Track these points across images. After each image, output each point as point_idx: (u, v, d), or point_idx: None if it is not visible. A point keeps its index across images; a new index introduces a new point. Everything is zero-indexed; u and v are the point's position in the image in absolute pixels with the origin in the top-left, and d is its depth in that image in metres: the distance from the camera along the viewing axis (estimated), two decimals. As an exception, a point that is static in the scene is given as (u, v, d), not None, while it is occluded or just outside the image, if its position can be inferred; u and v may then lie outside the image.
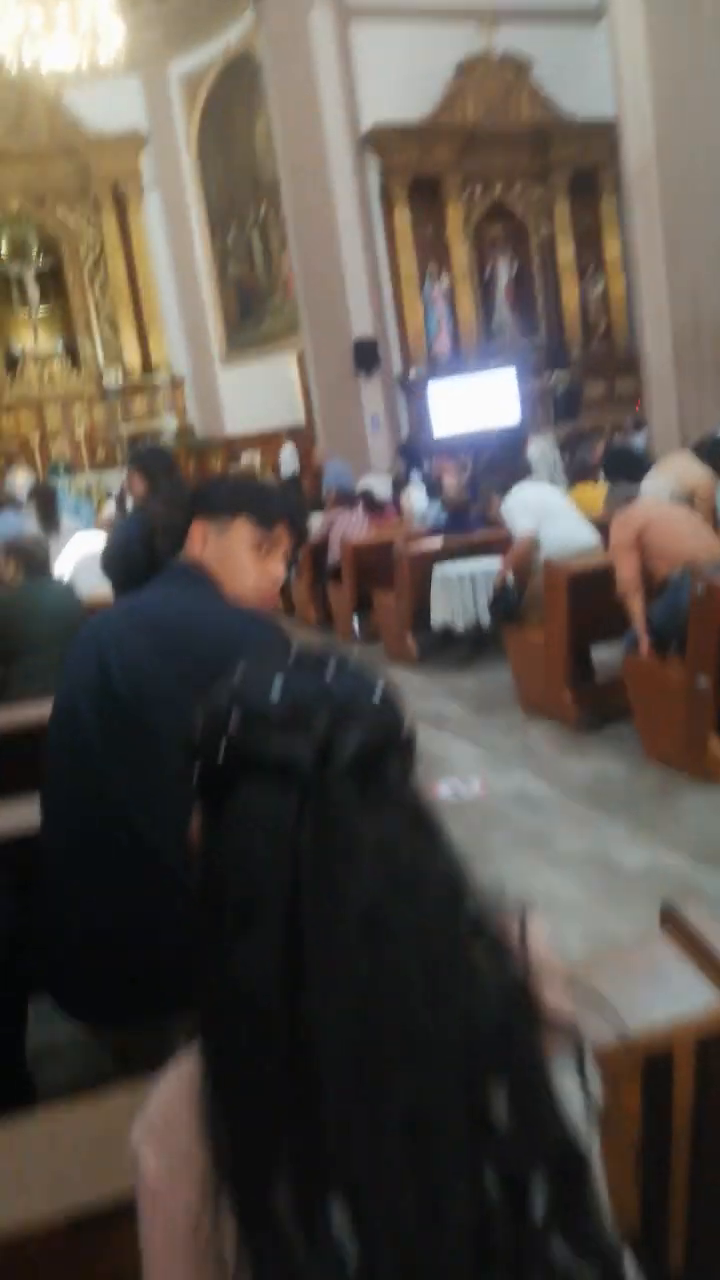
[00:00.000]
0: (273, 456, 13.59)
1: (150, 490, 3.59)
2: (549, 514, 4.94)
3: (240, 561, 1.55)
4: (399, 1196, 0.65)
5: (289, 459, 13.22)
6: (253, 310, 14.47)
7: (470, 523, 6.54)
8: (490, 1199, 0.67)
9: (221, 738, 0.76)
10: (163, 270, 14.86)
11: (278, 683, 0.77)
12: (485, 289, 13.81)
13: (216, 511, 1.58)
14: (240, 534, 1.55)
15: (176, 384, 14.86)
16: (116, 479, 12.13)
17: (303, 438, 13.53)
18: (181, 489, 3.92)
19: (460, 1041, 0.69)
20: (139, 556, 2.89)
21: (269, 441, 13.88)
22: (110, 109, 13.87)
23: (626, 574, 3.94)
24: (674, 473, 4.94)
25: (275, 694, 0.76)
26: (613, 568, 4.04)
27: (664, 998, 1.17)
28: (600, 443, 9.37)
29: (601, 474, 6.19)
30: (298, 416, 13.88)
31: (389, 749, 0.76)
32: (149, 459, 4.02)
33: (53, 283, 14.99)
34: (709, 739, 3.70)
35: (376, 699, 0.78)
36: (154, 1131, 0.74)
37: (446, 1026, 0.69)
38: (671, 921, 1.24)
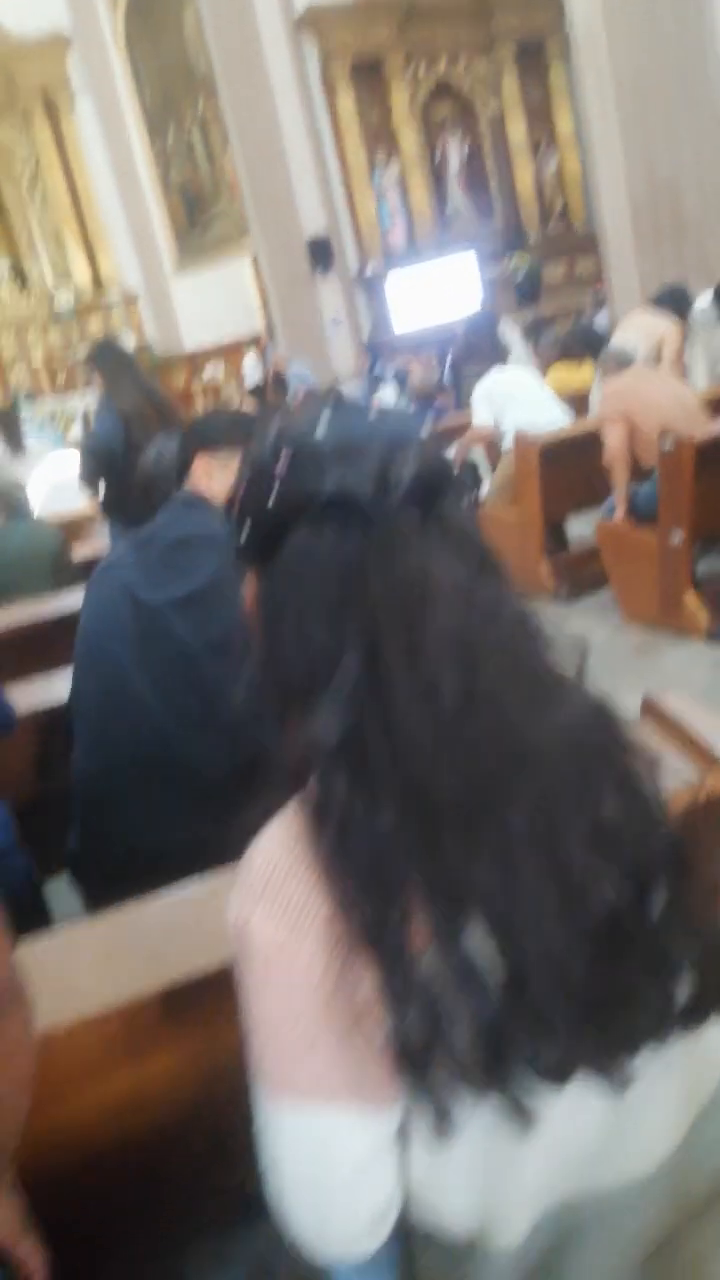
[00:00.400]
0: (236, 367, 13.37)
1: (111, 385, 3.58)
2: (513, 400, 4.90)
3: None
4: (537, 903, 0.65)
5: (252, 369, 12.99)
6: (200, 216, 14.03)
7: (437, 410, 6.56)
8: (618, 897, 0.67)
9: (271, 481, 0.72)
10: (103, 179, 14.29)
11: (324, 420, 0.74)
12: (437, 174, 13.40)
13: (217, 445, 1.62)
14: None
15: (130, 301, 14.49)
16: (79, 403, 11.94)
17: (262, 345, 13.28)
18: (141, 379, 3.94)
19: (564, 750, 0.69)
20: (118, 452, 2.93)
21: (231, 352, 13.64)
22: (28, 8, 13.17)
23: (613, 443, 4.00)
24: (639, 329, 4.97)
25: (323, 431, 0.73)
26: (585, 436, 4.11)
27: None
28: (562, 326, 9.33)
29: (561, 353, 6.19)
30: (256, 324, 13.61)
31: (444, 481, 0.73)
32: (102, 354, 3.99)
33: (-10, 202, 14.45)
34: (684, 595, 3.83)
35: (422, 439, 0.75)
36: (261, 896, 0.70)
37: (549, 736, 0.68)
38: (651, 710, 1.36)
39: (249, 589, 0.77)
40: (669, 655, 3.86)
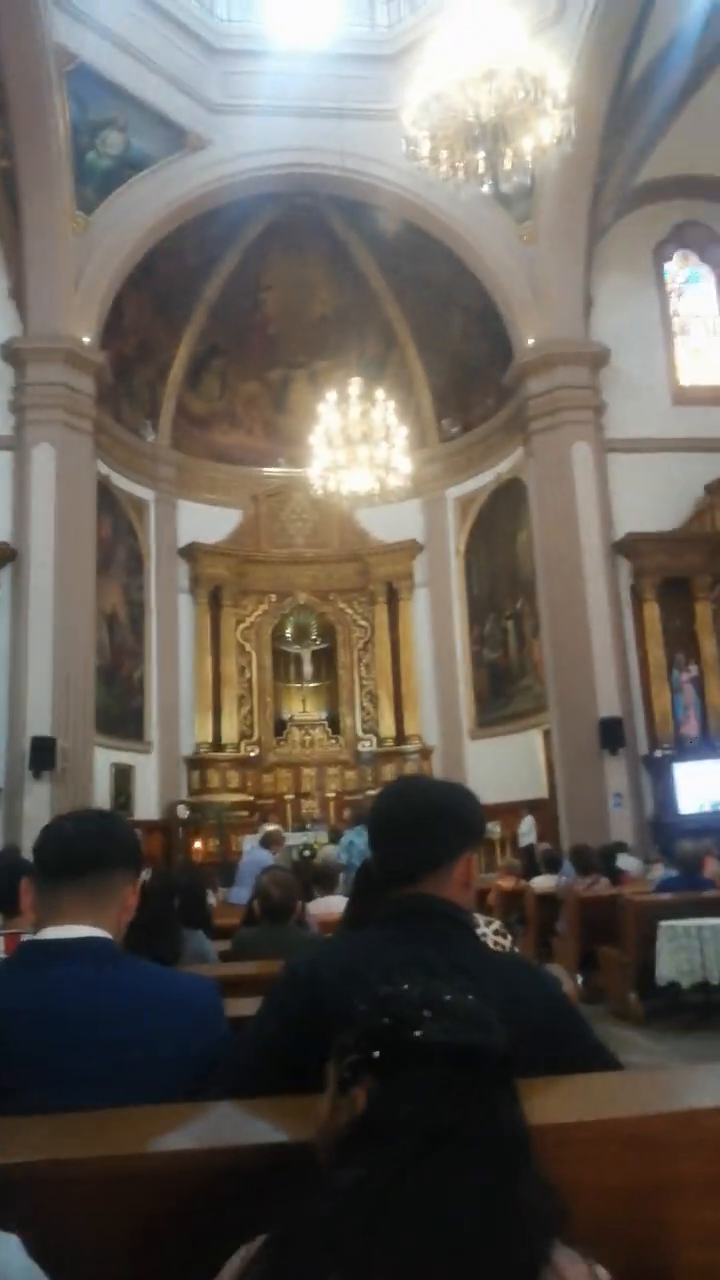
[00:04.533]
0: (512, 827, 13.52)
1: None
2: None
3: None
4: None
5: (527, 830, 13.11)
6: (503, 690, 15.26)
7: (699, 880, 6.09)
8: None
9: (414, 1027, 0.97)
10: (423, 654, 16.27)
11: (447, 990, 1.02)
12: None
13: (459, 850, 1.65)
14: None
15: (425, 754, 15.56)
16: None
17: (544, 811, 13.44)
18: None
19: None
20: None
21: (509, 813, 13.89)
22: (393, 523, 16.24)
23: None
24: None
25: (451, 996, 1.01)
26: None
27: None
28: None
29: None
30: (540, 790, 13.93)
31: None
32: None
33: (325, 661, 16.77)
34: None
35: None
36: None
37: None
38: None
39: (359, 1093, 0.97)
40: None
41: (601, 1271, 0.88)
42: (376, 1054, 0.96)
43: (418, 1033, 0.96)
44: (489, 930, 2.46)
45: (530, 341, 13.83)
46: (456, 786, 1.74)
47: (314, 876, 6.07)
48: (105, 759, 13.39)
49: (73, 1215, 1.12)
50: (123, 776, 14.01)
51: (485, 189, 8.38)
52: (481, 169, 7.82)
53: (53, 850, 1.62)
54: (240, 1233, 0.93)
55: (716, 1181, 1.19)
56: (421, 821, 1.61)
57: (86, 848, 1.61)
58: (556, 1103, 1.33)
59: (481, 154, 7.73)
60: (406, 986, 1.02)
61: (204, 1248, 0.93)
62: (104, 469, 14.24)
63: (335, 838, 11.33)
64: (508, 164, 7.73)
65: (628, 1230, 1.16)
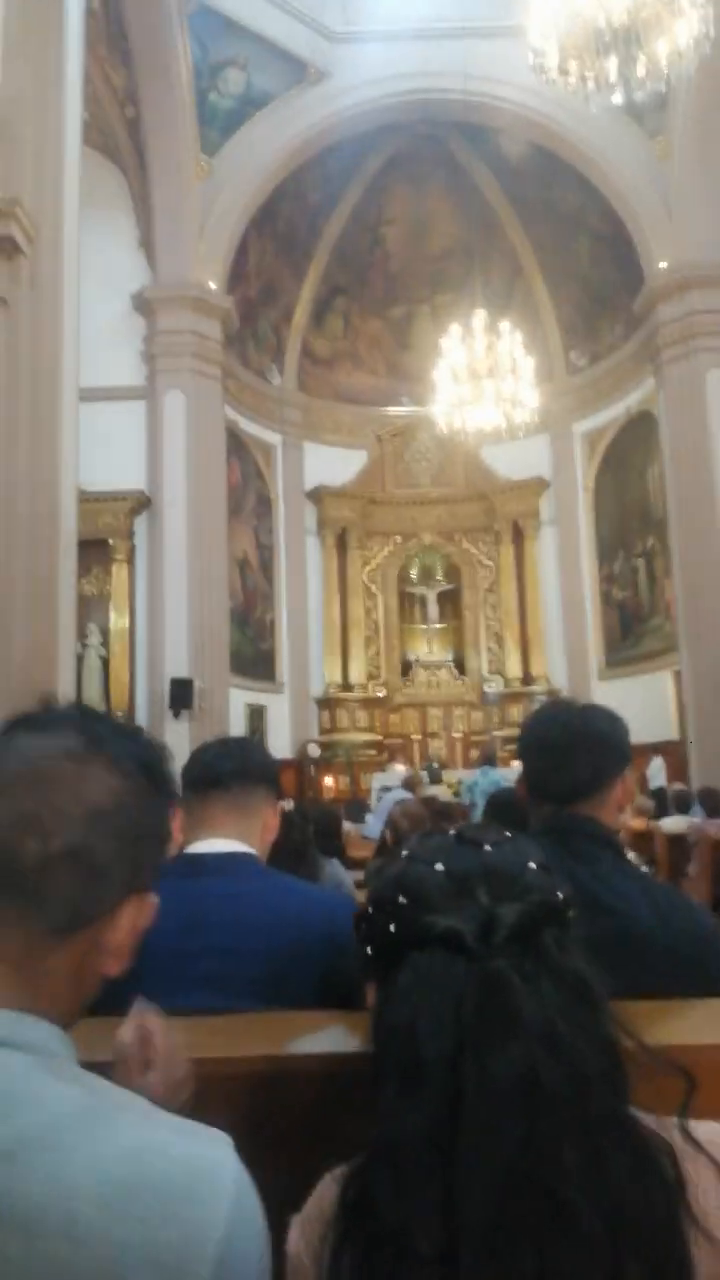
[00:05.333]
0: (642, 769, 13.28)
1: None
2: None
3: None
4: None
5: (656, 772, 12.85)
6: (632, 630, 14.89)
7: None
8: None
9: (391, 912, 0.85)
10: (550, 594, 16.01)
11: (440, 860, 0.87)
12: None
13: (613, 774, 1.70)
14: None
15: (553, 694, 15.38)
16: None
17: (674, 753, 13.14)
18: None
19: (605, 1228, 0.71)
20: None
21: (641, 754, 13.64)
22: (520, 461, 15.90)
23: None
24: None
25: (441, 866, 0.86)
26: None
27: None
28: None
29: None
30: (670, 732, 13.61)
31: (546, 919, 0.83)
32: None
33: (450, 602, 16.72)
34: None
35: (532, 871, 0.86)
36: (302, 1221, 0.83)
37: (593, 1208, 0.71)
38: None
39: (370, 996, 0.88)
40: None
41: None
42: (369, 950, 0.87)
43: (392, 927, 0.84)
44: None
45: (663, 264, 13.15)
46: (605, 710, 1.76)
47: (437, 811, 6.17)
48: (240, 699, 13.82)
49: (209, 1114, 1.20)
50: (256, 716, 14.45)
51: (617, 100, 7.95)
52: (613, 78, 7.43)
53: (199, 767, 1.72)
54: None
55: None
56: (581, 744, 1.64)
57: (230, 763, 1.72)
58: (698, 1024, 1.33)
59: (613, 61, 7.33)
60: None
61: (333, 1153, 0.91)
62: (232, 414, 14.44)
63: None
64: (641, 71, 7.31)
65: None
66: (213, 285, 13.29)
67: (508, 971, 0.78)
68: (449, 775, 14.05)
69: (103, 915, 0.81)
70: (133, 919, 0.84)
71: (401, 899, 0.84)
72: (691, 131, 12.46)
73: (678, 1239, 0.73)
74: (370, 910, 0.87)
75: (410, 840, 0.92)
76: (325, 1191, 0.83)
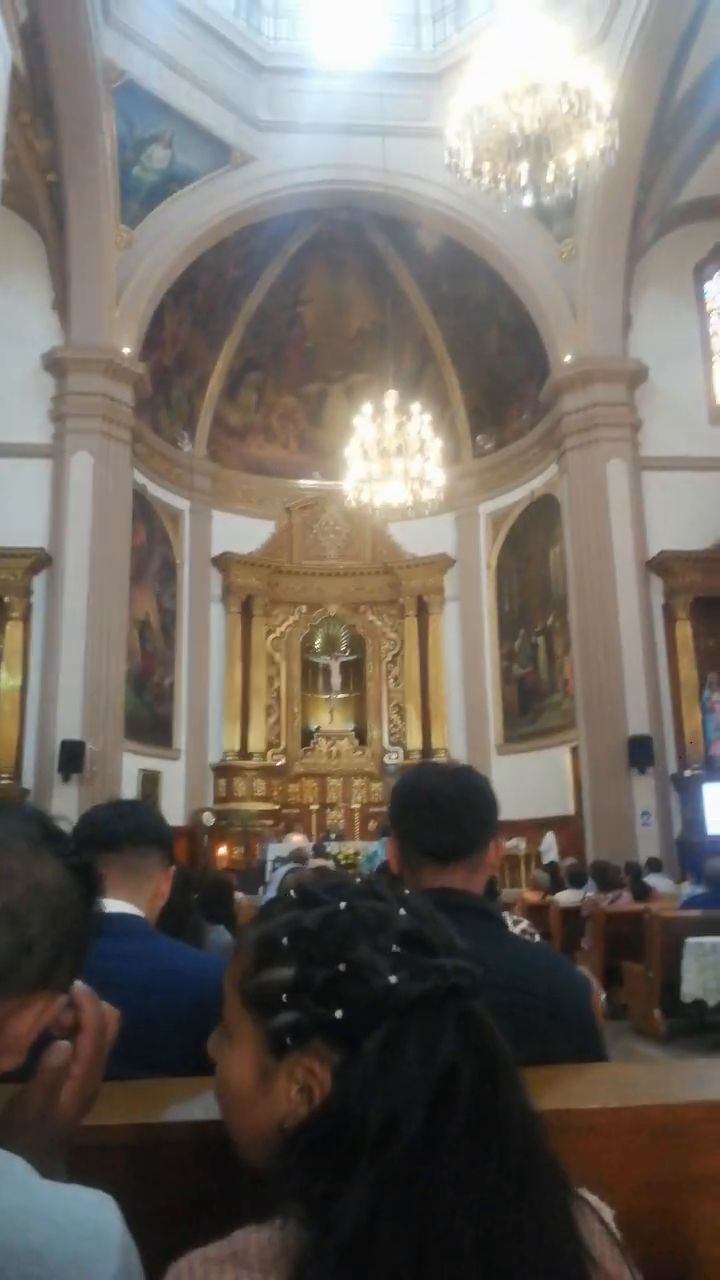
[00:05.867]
0: (536, 843, 13.41)
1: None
2: None
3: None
4: None
5: (548, 847, 13.03)
6: (531, 706, 15.17)
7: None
8: None
9: (370, 981, 0.76)
10: (452, 668, 16.23)
11: (397, 919, 0.82)
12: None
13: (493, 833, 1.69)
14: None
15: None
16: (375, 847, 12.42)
17: (570, 828, 13.33)
18: None
19: None
20: None
21: (536, 828, 13.78)
22: (426, 537, 16.25)
23: None
24: None
25: (400, 925, 0.81)
26: None
27: None
28: None
29: None
30: (566, 807, 13.81)
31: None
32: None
33: (353, 673, 16.77)
34: None
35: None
36: (205, 1260, 0.71)
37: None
38: None
39: (313, 1063, 0.77)
40: None
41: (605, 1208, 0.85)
42: (339, 1014, 0.75)
43: (392, 979, 0.75)
44: (516, 929, 2.45)
45: (567, 358, 13.81)
46: (478, 771, 1.74)
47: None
48: (133, 764, 13.45)
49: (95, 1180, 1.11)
50: (150, 782, 14.07)
51: (527, 202, 8.39)
52: (524, 181, 7.85)
53: (91, 828, 1.68)
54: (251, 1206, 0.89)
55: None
56: (470, 801, 1.61)
57: (124, 825, 1.69)
58: (583, 1088, 1.31)
59: (524, 166, 7.75)
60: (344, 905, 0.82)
61: (213, 1218, 0.83)
62: (140, 478, 14.37)
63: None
64: (550, 177, 7.74)
65: (649, 1222, 1.14)
66: (126, 350, 13.33)
67: (492, 1020, 0.76)
68: (346, 846, 13.93)
69: (18, 993, 0.77)
70: (38, 1015, 0.81)
71: (396, 948, 0.78)
72: (595, 236, 13.23)
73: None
74: (343, 969, 0.76)
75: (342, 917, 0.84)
76: (250, 1239, 0.73)
